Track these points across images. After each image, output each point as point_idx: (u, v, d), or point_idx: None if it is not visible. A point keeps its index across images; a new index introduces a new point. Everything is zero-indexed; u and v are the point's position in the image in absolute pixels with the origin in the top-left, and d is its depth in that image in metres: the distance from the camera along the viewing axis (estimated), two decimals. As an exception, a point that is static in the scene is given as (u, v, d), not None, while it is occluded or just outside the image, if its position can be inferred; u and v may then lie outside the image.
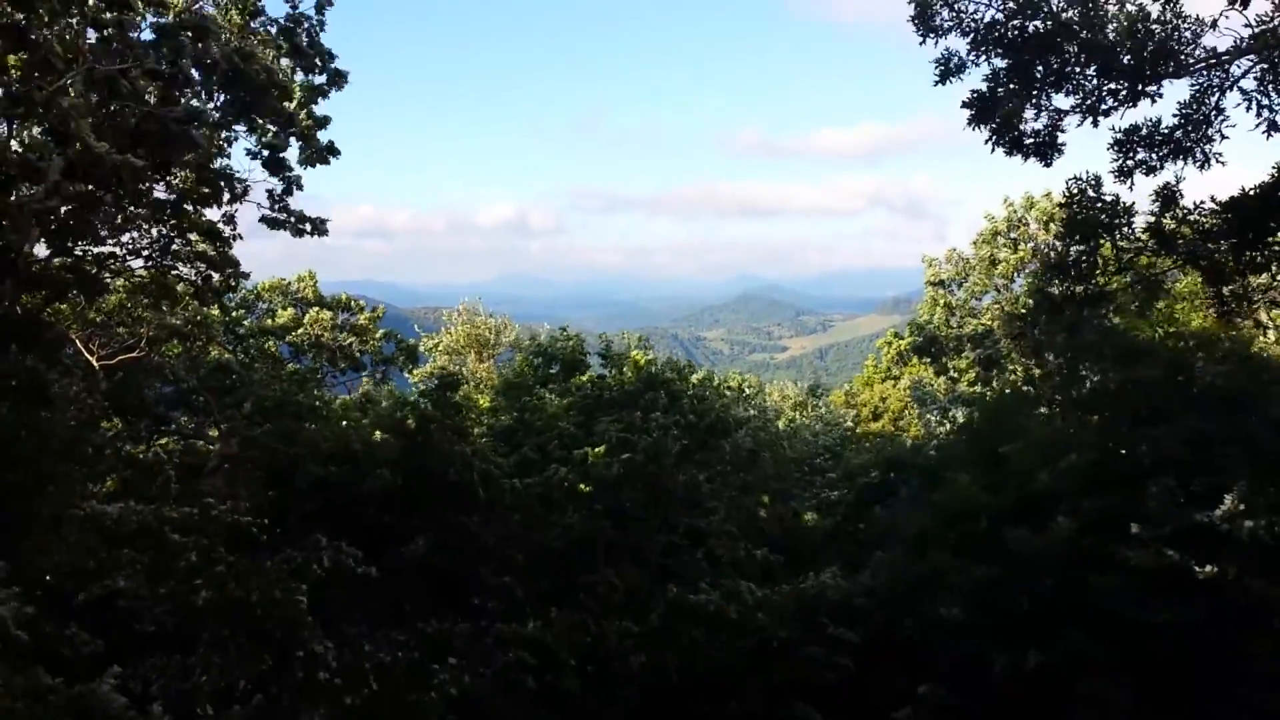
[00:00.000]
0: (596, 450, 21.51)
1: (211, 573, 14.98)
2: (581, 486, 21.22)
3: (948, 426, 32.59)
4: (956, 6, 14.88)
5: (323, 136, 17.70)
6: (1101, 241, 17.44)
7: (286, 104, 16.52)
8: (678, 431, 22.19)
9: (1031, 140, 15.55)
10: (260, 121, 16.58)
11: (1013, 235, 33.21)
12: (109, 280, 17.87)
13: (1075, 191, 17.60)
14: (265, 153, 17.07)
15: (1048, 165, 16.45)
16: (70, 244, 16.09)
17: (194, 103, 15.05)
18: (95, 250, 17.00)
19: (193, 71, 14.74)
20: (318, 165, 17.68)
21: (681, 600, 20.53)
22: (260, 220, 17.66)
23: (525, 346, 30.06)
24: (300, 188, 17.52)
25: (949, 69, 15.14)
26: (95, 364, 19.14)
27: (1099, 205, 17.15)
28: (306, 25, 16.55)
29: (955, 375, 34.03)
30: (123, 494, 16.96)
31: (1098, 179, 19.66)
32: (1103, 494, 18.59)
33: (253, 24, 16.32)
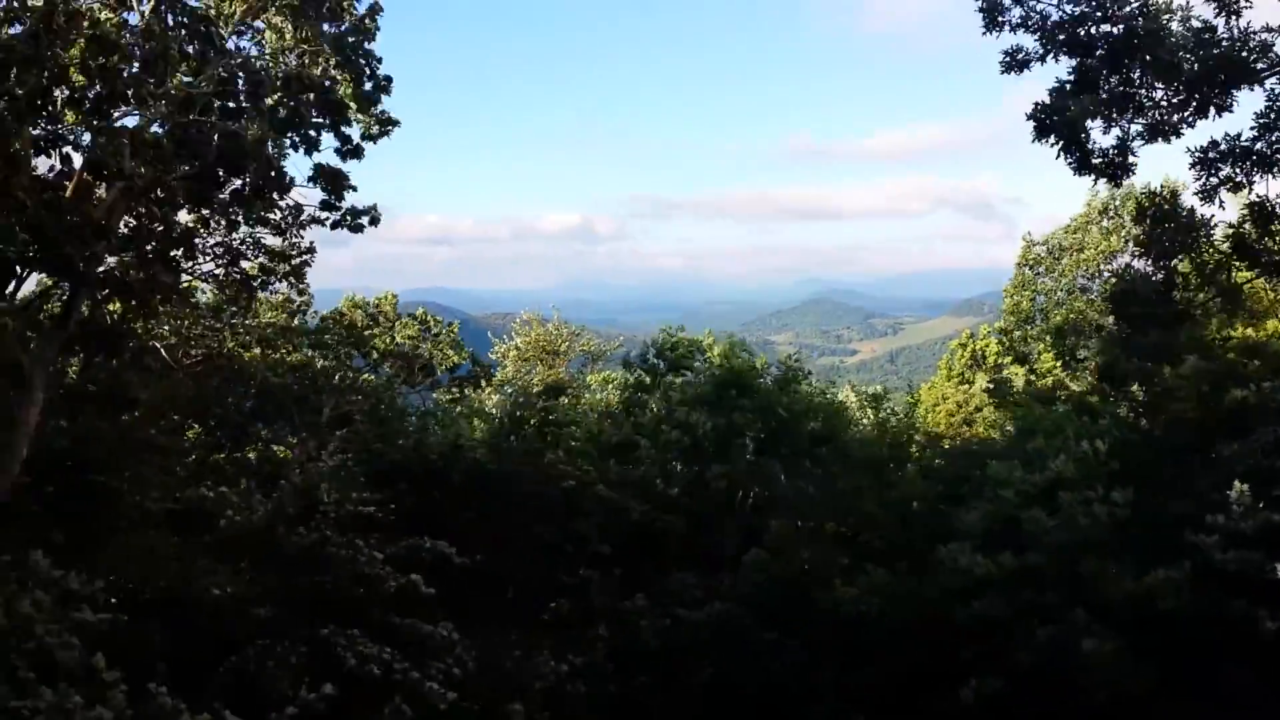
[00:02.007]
0: (648, 441, 21.92)
1: (315, 564, 15.45)
2: (657, 482, 21.49)
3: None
4: (1026, 3, 14.69)
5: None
6: (1180, 260, 17.14)
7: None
8: (752, 423, 22.57)
9: (1100, 160, 15.34)
10: (315, 129, 16.93)
11: (1105, 224, 32.32)
12: (184, 285, 18.30)
13: (1150, 206, 17.30)
14: (314, 154, 17.47)
15: (1117, 185, 16.03)
16: (144, 253, 16.56)
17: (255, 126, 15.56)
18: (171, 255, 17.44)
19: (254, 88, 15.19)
20: (378, 140, 17.93)
21: (750, 597, 20.66)
22: (313, 221, 18.07)
23: (599, 350, 30.43)
24: (354, 188, 17.83)
25: (1015, 61, 14.97)
26: (179, 370, 19.61)
27: (1176, 221, 16.78)
28: (357, 36, 16.82)
29: (1038, 372, 33.04)
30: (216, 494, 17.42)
31: (1174, 193, 19.29)
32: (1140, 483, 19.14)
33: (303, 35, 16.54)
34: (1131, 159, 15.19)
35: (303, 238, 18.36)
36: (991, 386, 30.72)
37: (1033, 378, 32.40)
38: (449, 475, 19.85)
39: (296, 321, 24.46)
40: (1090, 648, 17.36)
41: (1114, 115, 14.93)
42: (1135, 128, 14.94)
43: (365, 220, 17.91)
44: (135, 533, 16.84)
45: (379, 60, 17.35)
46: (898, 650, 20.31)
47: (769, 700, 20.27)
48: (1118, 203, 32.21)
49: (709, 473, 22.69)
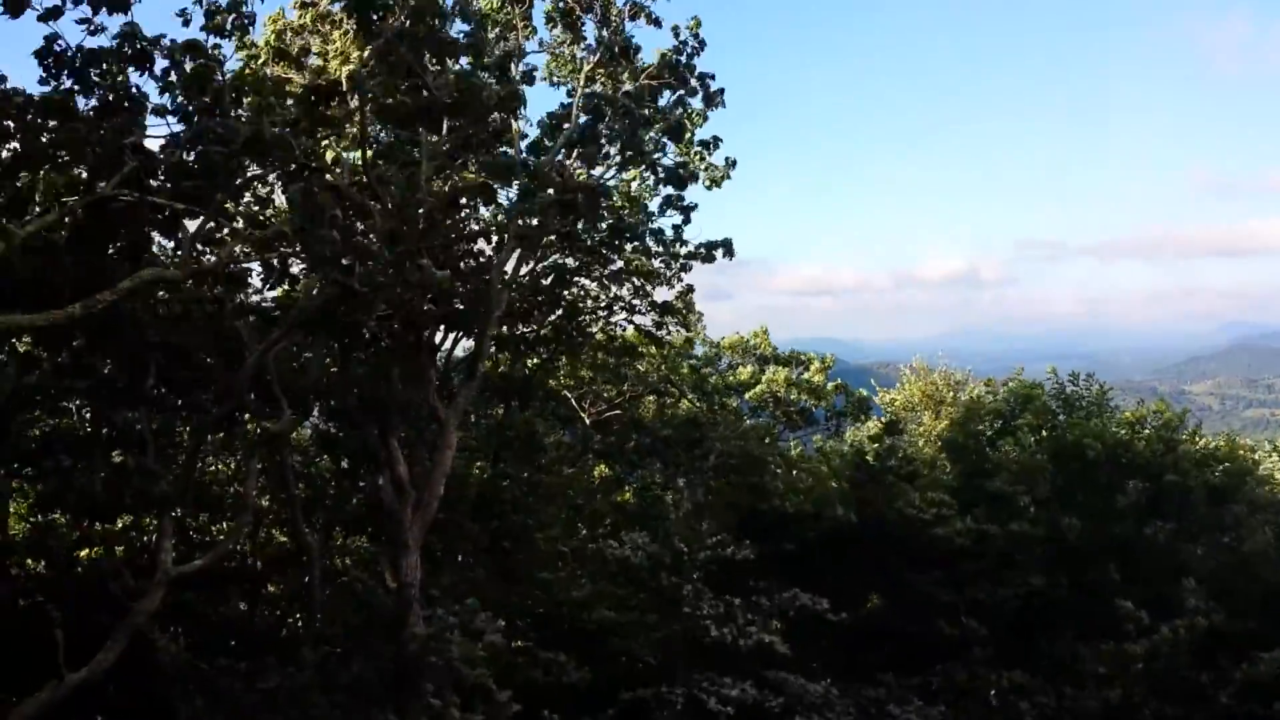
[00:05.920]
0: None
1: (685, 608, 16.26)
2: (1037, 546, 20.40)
3: None
4: None
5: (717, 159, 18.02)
6: None
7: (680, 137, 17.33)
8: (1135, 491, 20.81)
9: None
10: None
11: None
12: (584, 341, 19.90)
13: None
14: (667, 190, 17.82)
15: None
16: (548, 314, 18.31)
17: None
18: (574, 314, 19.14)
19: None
20: (722, 184, 18.03)
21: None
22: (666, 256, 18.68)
23: (986, 402, 29.10)
24: (695, 207, 17.88)
25: None
26: (586, 419, 21.56)
27: None
28: (687, 50, 16.74)
29: None
30: (613, 535, 18.86)
31: None
32: None
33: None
34: None
35: (682, 280, 19.13)
36: None
37: None
38: (820, 524, 20.04)
39: (686, 369, 25.88)
40: None
41: None
42: None
43: (719, 253, 18.13)
44: (543, 568, 18.65)
45: (710, 76, 17.30)
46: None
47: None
48: None
49: (1076, 536, 21.01)
